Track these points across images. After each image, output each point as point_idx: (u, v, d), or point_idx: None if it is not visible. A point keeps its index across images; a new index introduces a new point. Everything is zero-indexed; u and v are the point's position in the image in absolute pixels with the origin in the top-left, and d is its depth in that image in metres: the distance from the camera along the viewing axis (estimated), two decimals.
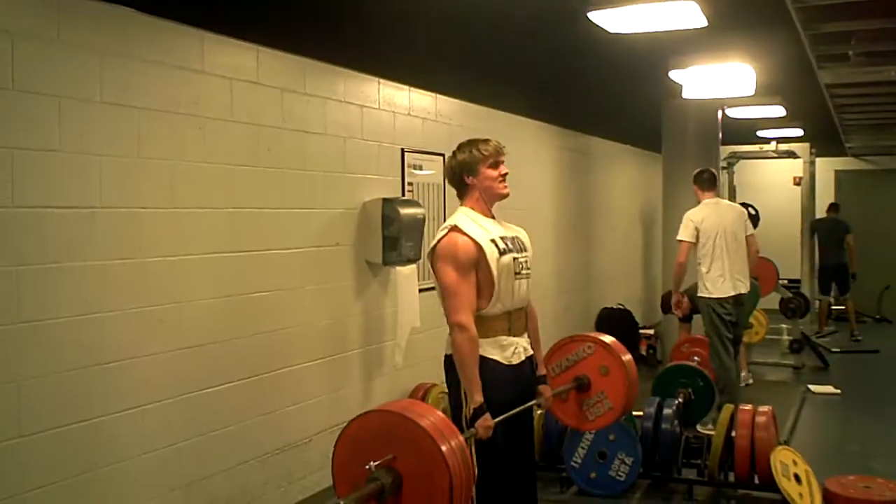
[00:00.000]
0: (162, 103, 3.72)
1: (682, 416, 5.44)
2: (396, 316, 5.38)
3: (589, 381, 3.68)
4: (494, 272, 3.20)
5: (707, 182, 6.64)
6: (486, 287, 3.21)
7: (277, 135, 4.46)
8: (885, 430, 6.66)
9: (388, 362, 5.39)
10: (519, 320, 3.35)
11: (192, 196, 3.91)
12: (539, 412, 4.72)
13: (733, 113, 8.50)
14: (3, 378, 3.05)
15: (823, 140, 11.11)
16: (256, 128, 4.32)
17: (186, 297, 3.86)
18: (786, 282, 10.37)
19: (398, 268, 5.28)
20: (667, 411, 5.15)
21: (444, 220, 3.38)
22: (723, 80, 6.24)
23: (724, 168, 10.60)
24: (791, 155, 10.99)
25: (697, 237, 6.39)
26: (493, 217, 3.39)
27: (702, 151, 8.12)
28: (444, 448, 2.41)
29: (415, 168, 5.71)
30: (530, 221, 4.73)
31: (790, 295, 10.06)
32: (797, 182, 11.29)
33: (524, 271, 3.33)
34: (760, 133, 10.63)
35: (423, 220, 5.31)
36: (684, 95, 6.89)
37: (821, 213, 11.80)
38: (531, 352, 3.42)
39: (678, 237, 6.50)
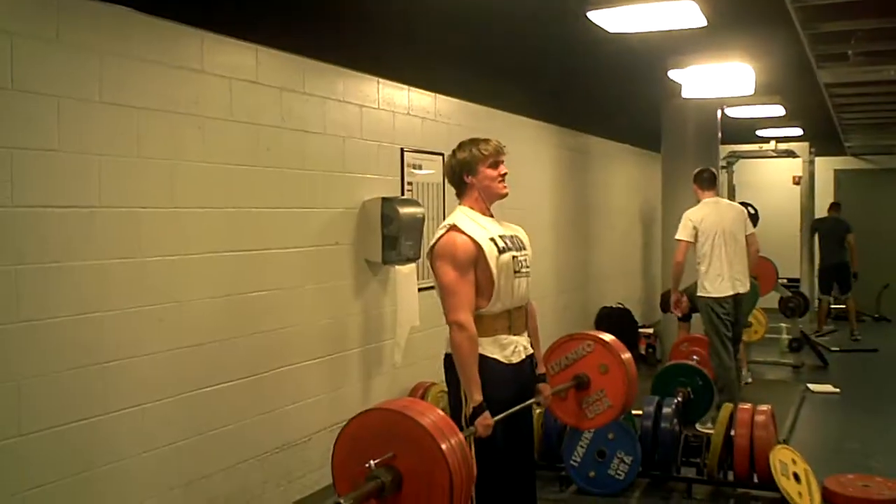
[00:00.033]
0: (161, 103, 3.73)
1: (682, 414, 5.44)
2: (396, 315, 5.38)
3: (588, 379, 3.68)
4: (494, 270, 3.20)
5: (707, 181, 6.64)
6: (486, 286, 3.22)
7: (277, 134, 4.46)
8: (884, 429, 6.66)
9: (387, 361, 5.40)
10: (519, 319, 3.35)
11: (192, 195, 3.91)
12: (538, 411, 4.73)
13: (733, 112, 8.50)
14: (2, 377, 3.05)
15: (823, 139, 11.11)
16: (256, 127, 4.32)
17: (186, 296, 3.87)
18: (785, 281, 10.37)
19: (398, 267, 5.28)
20: (666, 410, 5.15)
21: (444, 220, 3.38)
22: (722, 79, 6.25)
23: (723, 167, 10.60)
24: (790, 154, 10.99)
25: (696, 236, 6.40)
26: (491, 216, 3.39)
27: (701, 151, 8.12)
28: (444, 446, 2.41)
29: (414, 167, 5.71)
30: (529, 220, 4.74)
31: (789, 294, 10.06)
32: (796, 181, 11.29)
33: (523, 269, 3.34)
34: (760, 132, 10.63)
35: (423, 219, 5.31)
36: (684, 95, 6.90)
37: (820, 212, 11.80)
38: (531, 350, 3.42)
39: (676, 236, 6.51)
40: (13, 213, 3.09)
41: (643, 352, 8.91)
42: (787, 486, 4.58)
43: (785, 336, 9.79)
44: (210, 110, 4.01)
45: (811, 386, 8.02)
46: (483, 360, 3.19)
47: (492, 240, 3.25)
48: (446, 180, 3.51)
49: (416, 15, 4.43)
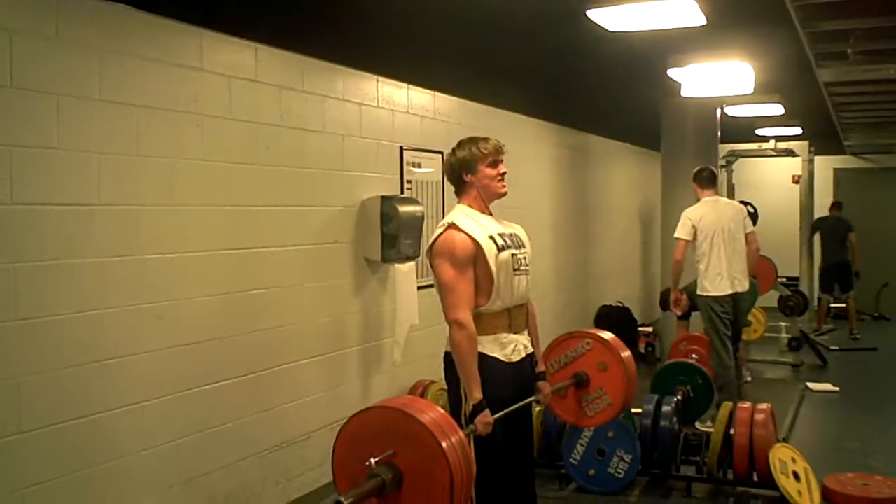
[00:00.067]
0: (160, 101, 3.72)
1: (681, 413, 5.44)
2: (395, 313, 5.38)
3: (588, 377, 3.68)
4: (493, 268, 3.20)
5: (706, 180, 6.65)
6: (485, 284, 3.22)
7: (276, 132, 4.46)
8: (883, 428, 6.66)
9: (386, 359, 5.40)
10: (519, 317, 3.35)
11: (191, 193, 3.91)
12: (538, 409, 4.73)
13: (732, 111, 8.50)
14: (2, 375, 3.05)
15: (822, 138, 11.11)
16: (255, 125, 4.32)
17: (185, 294, 3.87)
18: (784, 280, 10.37)
19: (397, 265, 5.28)
20: (665, 409, 5.15)
21: (443, 218, 3.38)
22: (722, 78, 6.25)
23: (722, 166, 10.60)
24: (790, 153, 10.98)
25: (695, 235, 6.41)
26: (490, 214, 3.39)
27: (701, 150, 8.12)
28: (444, 444, 2.41)
29: (413, 166, 5.71)
30: (529, 219, 4.74)
31: (789, 293, 10.06)
32: (796, 180, 11.28)
33: (523, 267, 3.34)
34: (759, 131, 10.63)
35: (422, 217, 5.31)
36: (683, 93, 6.90)
37: (820, 211, 11.80)
38: (531, 349, 3.42)
39: (675, 235, 6.52)
40: (12, 210, 3.08)
41: (642, 350, 8.91)
42: (787, 484, 4.58)
43: (784, 335, 9.80)
44: (209, 108, 4.01)
45: (810, 385, 8.03)
46: (483, 358, 3.19)
47: (491, 238, 3.25)
48: (445, 178, 3.51)
49: (415, 13, 4.43)
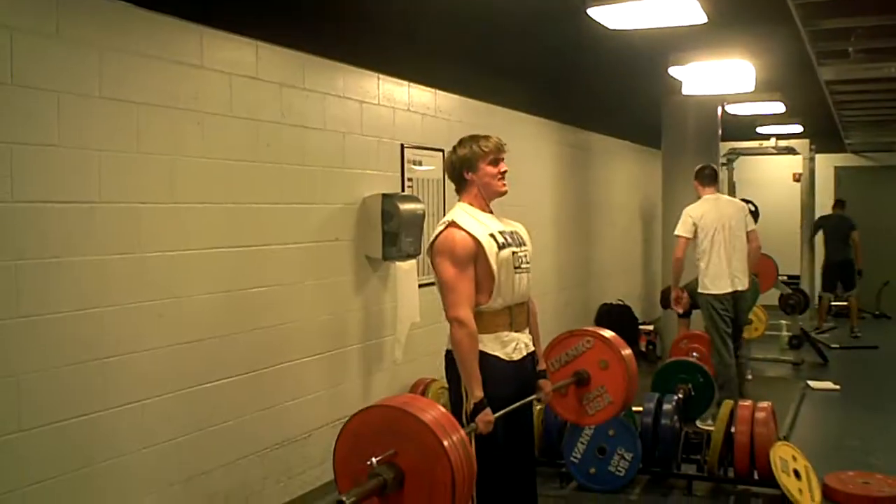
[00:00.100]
0: (161, 98, 3.72)
1: (682, 411, 5.44)
2: (396, 311, 5.38)
3: (588, 375, 3.67)
4: (494, 266, 3.20)
5: (708, 178, 6.65)
6: (486, 282, 3.21)
7: (277, 130, 4.45)
8: (884, 426, 6.66)
9: (387, 357, 5.39)
10: (520, 315, 3.35)
11: (192, 191, 3.90)
12: (539, 407, 4.73)
13: (733, 109, 8.50)
14: (2, 372, 3.05)
15: (823, 136, 11.11)
16: (256, 123, 4.31)
17: (186, 291, 3.86)
18: (785, 278, 10.37)
19: (398, 263, 5.28)
20: (666, 407, 5.15)
21: (444, 216, 3.38)
22: (723, 76, 6.25)
23: (723, 164, 10.59)
24: (791, 151, 10.98)
25: (696, 233, 6.40)
26: (491, 212, 3.39)
27: (701, 148, 8.12)
28: (445, 443, 2.41)
29: (414, 164, 5.70)
30: (530, 217, 4.74)
31: (790, 291, 10.06)
32: (797, 178, 11.29)
33: (524, 265, 3.33)
34: (760, 129, 10.63)
35: (423, 215, 5.30)
36: (684, 92, 6.89)
37: (820, 209, 11.80)
38: (532, 348, 3.42)
39: (676, 232, 6.52)
40: (13, 208, 3.08)
41: (643, 348, 8.91)
42: (788, 482, 4.58)
43: (785, 333, 9.81)
44: (210, 106, 4.00)
45: (811, 383, 8.03)
46: (484, 356, 3.19)
47: (491, 236, 3.25)
48: (446, 176, 3.51)
49: (416, 11, 4.43)
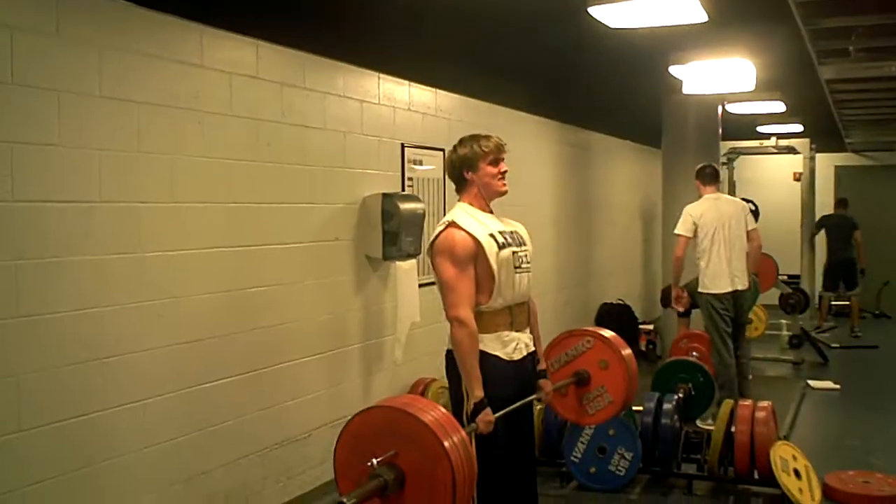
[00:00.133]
0: (161, 97, 3.72)
1: (682, 411, 5.44)
2: (396, 311, 5.37)
3: (588, 375, 3.67)
4: (494, 266, 3.20)
5: (709, 177, 6.65)
6: (487, 281, 3.21)
7: (277, 129, 4.45)
8: (884, 426, 6.66)
9: (387, 357, 5.39)
10: (521, 315, 3.35)
11: (192, 191, 3.90)
12: (539, 407, 4.73)
13: (733, 108, 8.49)
14: (2, 372, 3.05)
15: (823, 136, 11.11)
16: (256, 122, 4.31)
17: (185, 291, 3.86)
18: (785, 277, 10.37)
19: (398, 263, 5.28)
20: (666, 406, 5.15)
21: (444, 215, 3.38)
22: (723, 75, 6.24)
23: (724, 164, 10.58)
24: (791, 151, 10.98)
25: (696, 232, 6.40)
26: (491, 212, 3.39)
27: (702, 147, 8.11)
28: (446, 444, 2.41)
29: (415, 163, 5.70)
30: (530, 217, 4.73)
31: (790, 290, 10.06)
32: (797, 178, 11.28)
33: (524, 265, 3.33)
34: (760, 129, 10.62)
35: (423, 215, 5.30)
36: (684, 91, 6.88)
37: (820, 208, 11.79)
38: (532, 348, 3.41)
39: (676, 231, 6.53)
40: (13, 207, 3.08)
41: (643, 348, 8.91)
42: (788, 482, 4.57)
43: (785, 332, 9.80)
44: (210, 105, 4.00)
45: (811, 382, 8.03)
46: (484, 356, 3.19)
47: (491, 236, 3.25)
48: (447, 176, 3.51)
49: (417, 10, 4.42)
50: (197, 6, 3.81)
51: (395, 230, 5.07)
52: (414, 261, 5.35)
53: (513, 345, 3.29)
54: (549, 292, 8.00)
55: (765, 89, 7.27)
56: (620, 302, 9.61)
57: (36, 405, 3.16)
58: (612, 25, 4.68)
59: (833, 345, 10.04)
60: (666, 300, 7.48)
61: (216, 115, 4.03)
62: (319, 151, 4.79)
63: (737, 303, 6.39)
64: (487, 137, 3.36)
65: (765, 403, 5.06)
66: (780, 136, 10.77)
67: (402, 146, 5.58)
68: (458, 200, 3.40)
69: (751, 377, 7.85)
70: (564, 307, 8.52)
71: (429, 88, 5.91)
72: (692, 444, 5.20)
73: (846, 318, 11.34)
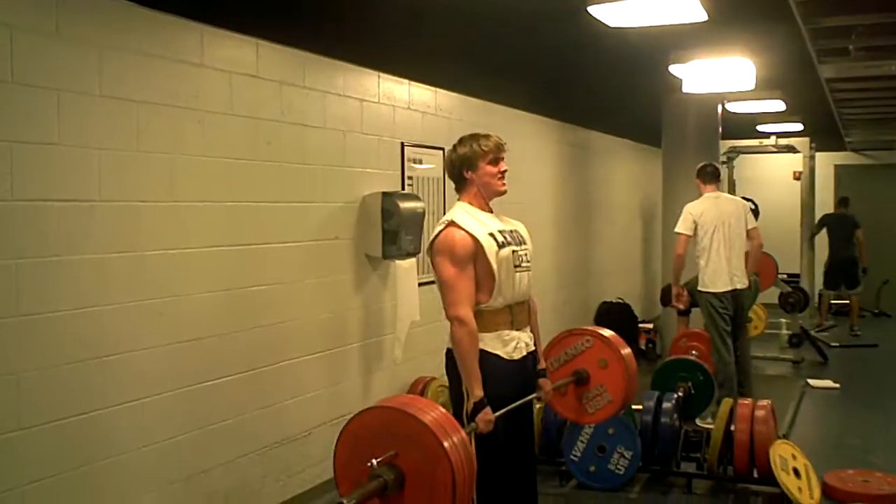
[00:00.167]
0: (161, 97, 3.72)
1: (682, 410, 5.44)
2: (396, 310, 5.38)
3: (588, 374, 3.68)
4: (494, 265, 3.20)
5: (710, 176, 6.65)
6: (486, 280, 3.21)
7: (277, 128, 4.45)
8: (883, 425, 6.66)
9: (387, 356, 5.39)
10: (521, 314, 3.35)
11: (192, 189, 3.90)
12: (539, 406, 4.73)
13: (733, 107, 8.49)
14: (2, 371, 3.05)
15: (823, 135, 11.10)
16: (256, 121, 4.31)
17: (185, 290, 3.86)
18: (785, 276, 10.37)
19: (398, 261, 5.28)
20: (666, 405, 5.15)
21: (444, 214, 3.38)
22: (723, 74, 6.23)
23: (723, 163, 10.57)
24: (791, 150, 10.97)
25: (696, 230, 6.40)
26: (491, 211, 3.39)
27: (702, 146, 8.10)
28: (446, 444, 2.41)
29: (414, 162, 5.70)
30: (530, 216, 4.73)
31: (789, 289, 10.06)
32: (797, 177, 11.27)
33: (524, 264, 3.33)
34: (760, 128, 10.61)
35: (423, 213, 5.30)
36: (684, 90, 6.87)
37: (821, 208, 11.79)
38: (532, 347, 3.42)
39: (676, 229, 6.52)
40: (13, 206, 3.08)
41: (643, 347, 8.91)
42: (787, 481, 4.58)
43: (785, 331, 9.80)
44: (210, 104, 4.00)
45: (811, 381, 8.03)
46: (484, 355, 3.19)
47: (491, 235, 3.25)
48: (446, 175, 3.51)
49: (417, 9, 4.42)
50: (197, 5, 3.81)
51: (394, 229, 5.07)
52: (414, 260, 5.35)
53: (513, 344, 3.29)
54: (549, 291, 8.01)
55: (765, 88, 7.27)
56: (620, 301, 9.61)
57: (36, 404, 3.16)
58: (611, 24, 4.67)
59: (833, 344, 10.04)
60: (666, 299, 7.47)
61: (216, 114, 4.04)
62: (319, 150, 4.79)
63: (736, 302, 6.39)
64: (487, 137, 3.36)
65: (764, 402, 5.06)
66: (779, 134, 10.76)
67: (402, 145, 5.58)
68: (458, 200, 3.40)
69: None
70: (564, 306, 8.52)
71: (429, 87, 5.91)
72: (692, 443, 5.20)
73: (846, 316, 11.34)
